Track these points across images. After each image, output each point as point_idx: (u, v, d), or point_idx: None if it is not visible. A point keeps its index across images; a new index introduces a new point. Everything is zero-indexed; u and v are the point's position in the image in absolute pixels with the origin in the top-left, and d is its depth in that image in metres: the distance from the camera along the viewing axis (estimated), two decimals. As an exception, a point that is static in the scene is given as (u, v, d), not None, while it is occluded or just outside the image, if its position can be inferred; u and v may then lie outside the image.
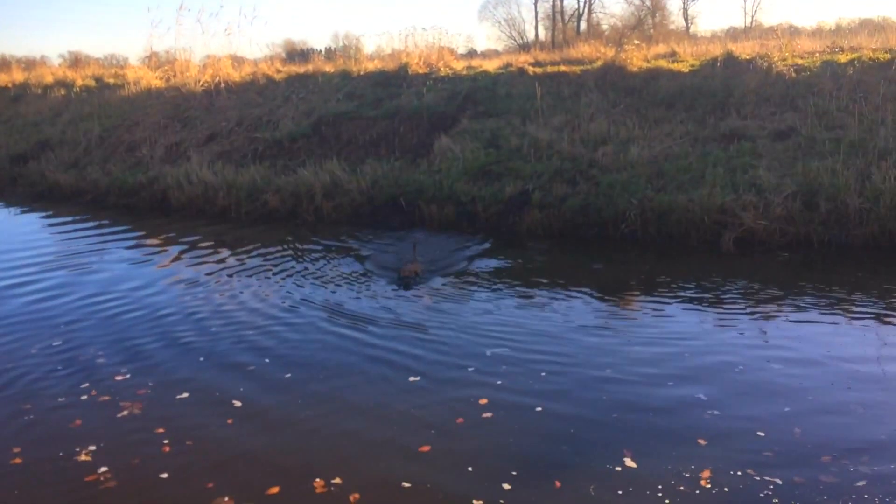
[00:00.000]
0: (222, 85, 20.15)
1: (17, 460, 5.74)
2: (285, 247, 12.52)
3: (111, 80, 24.58)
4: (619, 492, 5.07)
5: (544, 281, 10.20)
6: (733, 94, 14.71)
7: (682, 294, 9.41)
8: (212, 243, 13.03)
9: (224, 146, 17.82)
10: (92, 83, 24.93)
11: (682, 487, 5.07)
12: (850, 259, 10.72)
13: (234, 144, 17.77)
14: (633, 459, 5.43)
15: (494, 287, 9.95)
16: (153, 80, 22.72)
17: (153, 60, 25.02)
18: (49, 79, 26.66)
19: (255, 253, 12.18)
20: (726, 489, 5.04)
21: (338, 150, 16.37)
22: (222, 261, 11.81)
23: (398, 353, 7.64)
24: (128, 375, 7.18)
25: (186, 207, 15.97)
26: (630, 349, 7.63)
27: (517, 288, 9.89)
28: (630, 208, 12.14)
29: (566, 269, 10.83)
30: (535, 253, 11.87)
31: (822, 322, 8.31)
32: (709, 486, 5.09)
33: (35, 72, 29.45)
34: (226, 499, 5.12)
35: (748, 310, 8.78)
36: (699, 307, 8.93)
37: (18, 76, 28.72)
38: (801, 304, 8.90)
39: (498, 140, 14.95)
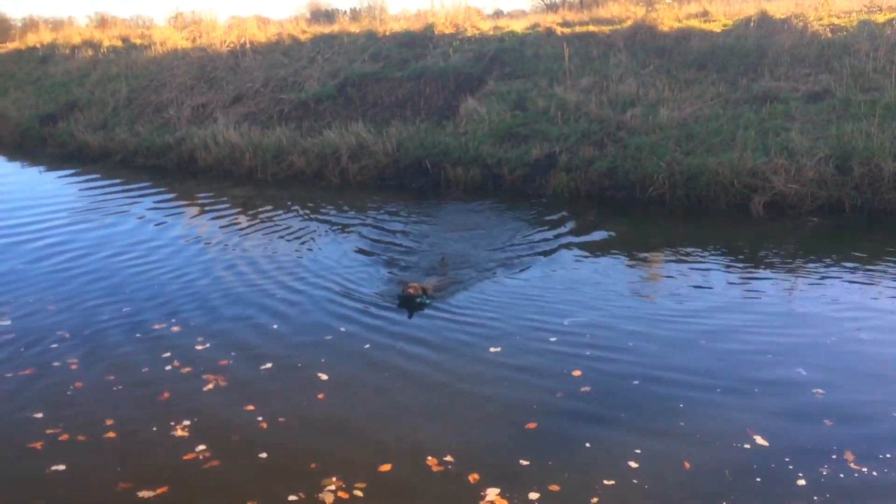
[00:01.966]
0: (248, 45, 19.33)
1: (111, 434, 5.22)
2: (320, 209, 11.97)
3: (138, 41, 23.60)
4: (757, 478, 4.53)
5: (584, 245, 9.64)
6: (767, 54, 13.97)
7: (734, 261, 8.89)
8: (247, 205, 12.44)
9: (250, 107, 17.15)
10: (119, 44, 23.94)
11: (825, 470, 4.58)
12: (883, 224, 10.20)
13: (260, 105, 17.10)
14: (762, 437, 4.91)
15: (535, 253, 9.32)
16: (179, 40, 21.78)
17: (179, 21, 24.20)
18: (76, 39, 25.54)
19: (293, 215, 11.60)
20: (875, 473, 4.55)
21: (363, 112, 15.74)
22: (262, 223, 11.23)
23: (468, 325, 6.99)
24: (207, 345, 6.61)
25: (213, 168, 15.39)
26: (707, 318, 7.05)
27: (558, 254, 9.30)
28: (658, 171, 11.62)
29: (596, 230, 10.30)
30: (562, 216, 11.22)
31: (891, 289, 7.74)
32: (860, 468, 4.59)
33: (62, 32, 28.28)
34: (333, 479, 4.60)
35: (810, 278, 8.20)
36: (756, 274, 8.41)
37: (46, 37, 27.60)
38: (862, 272, 8.31)
39: (525, 102, 14.32)
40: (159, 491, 4.57)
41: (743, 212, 10.81)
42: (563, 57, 15.15)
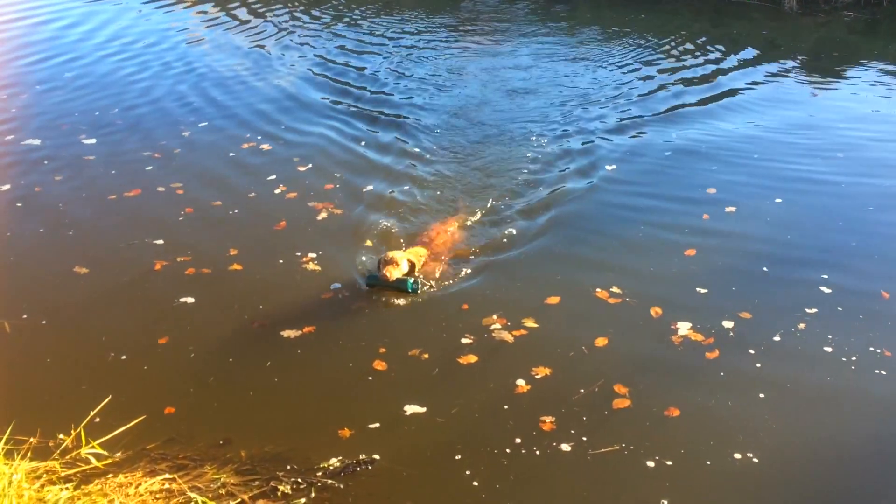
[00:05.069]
0: None
1: (237, 266, 4.59)
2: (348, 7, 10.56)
3: None
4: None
5: (607, 43, 8.90)
6: None
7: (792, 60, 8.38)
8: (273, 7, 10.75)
9: None
10: None
11: None
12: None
13: None
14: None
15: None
16: None
17: None
18: None
19: (316, 15, 10.17)
20: None
21: None
22: (295, 27, 9.72)
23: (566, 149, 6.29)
24: (309, 166, 5.80)
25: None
26: (826, 128, 6.53)
27: (580, 59, 8.48)
28: (686, -40, 10.55)
29: (619, 28, 9.48)
30: (574, 11, 10.32)
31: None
32: None
33: None
34: (494, 317, 4.06)
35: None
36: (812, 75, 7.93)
37: None
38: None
39: None
40: (306, 330, 4.00)
41: (775, 5, 10.12)
42: None
